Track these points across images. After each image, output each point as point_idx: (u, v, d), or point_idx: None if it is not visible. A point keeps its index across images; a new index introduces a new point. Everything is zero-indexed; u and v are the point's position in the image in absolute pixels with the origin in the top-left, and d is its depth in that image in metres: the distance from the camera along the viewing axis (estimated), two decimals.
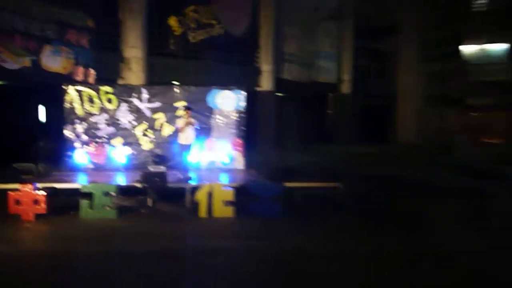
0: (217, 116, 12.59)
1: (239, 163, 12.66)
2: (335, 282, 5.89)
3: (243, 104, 12.72)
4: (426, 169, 12.54)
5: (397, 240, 7.84)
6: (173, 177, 10.14)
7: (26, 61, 11.49)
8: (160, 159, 11.56)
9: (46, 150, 11.44)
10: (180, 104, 12.21)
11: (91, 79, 12.53)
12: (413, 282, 5.92)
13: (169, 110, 12.30)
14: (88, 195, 8.95)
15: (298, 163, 15.61)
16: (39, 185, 9.12)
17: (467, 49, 19.68)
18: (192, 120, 10.53)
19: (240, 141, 12.71)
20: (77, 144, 11.99)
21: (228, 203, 9.11)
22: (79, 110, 11.96)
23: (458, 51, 13.99)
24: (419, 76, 17.08)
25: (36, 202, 8.77)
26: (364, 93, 21.89)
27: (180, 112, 11.49)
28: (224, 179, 10.91)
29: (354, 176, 12.32)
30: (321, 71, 20.19)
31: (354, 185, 10.73)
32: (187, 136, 10.49)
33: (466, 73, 18.56)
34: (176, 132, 10.71)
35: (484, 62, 21.75)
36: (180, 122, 10.57)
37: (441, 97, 15.46)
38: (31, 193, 8.78)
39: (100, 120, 12.08)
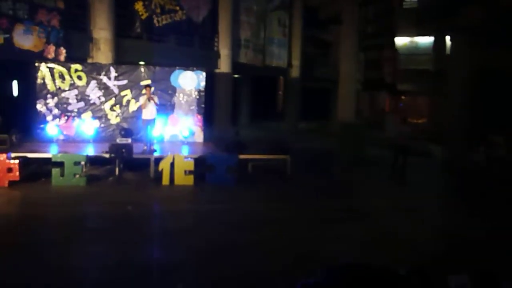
0: (179, 94, 12.39)
1: (199, 137, 12.58)
2: (283, 234, 6.03)
3: (203, 84, 12.57)
4: (359, 144, 12.90)
5: (330, 203, 8.18)
6: (138, 149, 9.96)
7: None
8: (126, 132, 11.27)
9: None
10: (145, 82, 11.92)
11: (62, 58, 12.00)
12: (339, 234, 6.16)
13: (135, 88, 11.97)
14: (59, 164, 8.73)
15: (251, 137, 15.71)
16: (12, 154, 8.80)
17: (399, 40, 20.14)
18: (153, 96, 10.32)
19: (199, 117, 12.60)
20: (48, 118, 11.52)
21: (188, 172, 9.10)
22: (50, 86, 11.48)
23: (391, 42, 14.32)
24: (357, 63, 17.32)
25: (9, 170, 8.49)
26: (310, 77, 22.10)
27: (143, 90, 11.23)
28: (185, 151, 10.83)
29: (299, 149, 12.51)
30: (273, 56, 20.16)
31: (299, 157, 10.91)
32: (150, 111, 10.28)
33: (397, 61, 18.99)
34: (140, 108, 10.49)
35: (413, 52, 22.39)
36: (142, 99, 10.32)
37: (375, 82, 15.83)
38: (5, 162, 8.48)
39: (71, 95, 11.64)
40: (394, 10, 14.18)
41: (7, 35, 11.04)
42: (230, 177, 9.29)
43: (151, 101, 10.16)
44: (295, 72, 21.40)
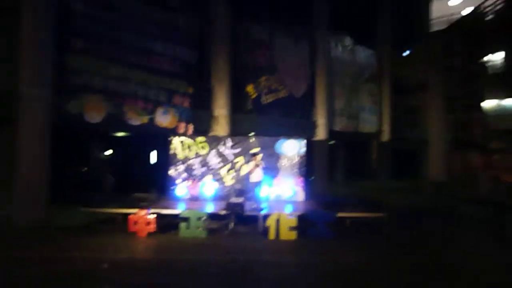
0: (283, 160, 12.65)
1: (300, 196, 12.56)
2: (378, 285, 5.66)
3: (303, 150, 12.73)
4: (451, 201, 11.84)
5: (424, 258, 7.55)
6: (249, 206, 10.25)
7: (145, 119, 12.15)
8: (239, 193, 11.73)
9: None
10: (255, 150, 12.41)
11: (190, 132, 13.04)
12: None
13: (247, 155, 12.51)
14: (186, 219, 9.24)
15: (347, 196, 15.24)
16: (151, 210, 9.52)
17: (486, 103, 18.71)
18: (260, 162, 10.66)
19: (301, 178, 12.66)
20: (178, 180, 12.44)
21: (291, 228, 9.04)
22: (180, 155, 12.47)
23: (478, 104, 13.41)
24: (445, 125, 16.36)
25: (148, 223, 9.15)
26: (400, 139, 21.20)
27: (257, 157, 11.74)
28: (288, 209, 10.84)
29: (393, 207, 11.82)
30: (365, 122, 19.86)
31: (393, 215, 10.30)
32: (257, 174, 10.62)
33: (486, 122, 17.58)
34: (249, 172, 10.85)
35: (500, 113, 20.51)
36: (250, 165, 10.73)
37: (464, 142, 14.72)
38: (145, 217, 9.18)
39: (196, 162, 12.52)
40: (480, 76, 13.34)
41: (151, 116, 12.30)
42: (330, 232, 9.06)
43: (259, 166, 10.56)
44: (385, 136, 20.75)
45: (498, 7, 13.52)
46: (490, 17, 13.74)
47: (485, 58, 18.50)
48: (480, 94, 13.31)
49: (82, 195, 11.00)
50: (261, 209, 10.21)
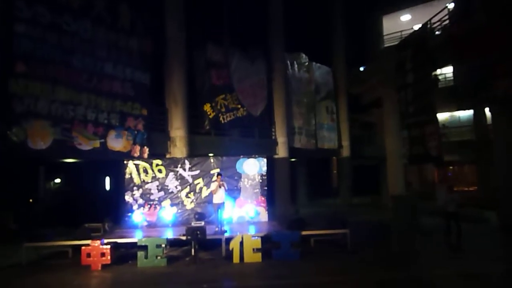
0: (244, 179, 12.55)
1: (263, 216, 12.45)
2: None
3: (264, 168, 12.69)
4: (411, 214, 12.19)
5: (390, 273, 7.64)
6: (211, 230, 9.99)
7: (96, 143, 11.73)
8: (200, 216, 11.46)
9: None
10: (215, 171, 12.27)
11: (145, 155, 12.71)
12: None
13: (206, 176, 12.33)
14: (144, 248, 8.87)
15: (310, 214, 15.34)
16: (105, 240, 9.08)
17: (440, 116, 19.61)
18: (223, 182, 10.53)
19: (263, 198, 12.58)
20: (134, 207, 12.00)
21: (256, 250, 8.90)
22: (136, 179, 12.08)
23: (432, 118, 14.04)
24: (401, 140, 16.97)
25: (102, 254, 8.71)
26: (359, 155, 21.78)
27: (214, 178, 11.57)
28: (252, 230, 10.70)
29: (355, 223, 11.96)
30: (324, 139, 20.23)
31: (356, 230, 10.41)
32: (220, 196, 10.45)
33: (440, 135, 18.43)
34: (212, 194, 10.67)
35: (455, 125, 21.65)
36: (213, 186, 10.55)
37: (421, 156, 15.29)
38: (99, 247, 8.74)
39: (153, 186, 12.15)
40: (432, 90, 13.99)
41: (102, 140, 11.89)
42: (295, 252, 8.98)
43: (222, 187, 10.40)
44: (345, 152, 21.23)
45: (444, 23, 14.36)
46: (438, 33, 14.55)
47: (437, 72, 19.54)
48: (433, 108, 13.89)
49: (28, 229, 10.34)
50: (224, 232, 9.99)
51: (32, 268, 8.88)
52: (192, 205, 12.25)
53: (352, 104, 21.81)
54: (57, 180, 16.74)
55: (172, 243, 9.74)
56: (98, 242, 8.82)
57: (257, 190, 12.59)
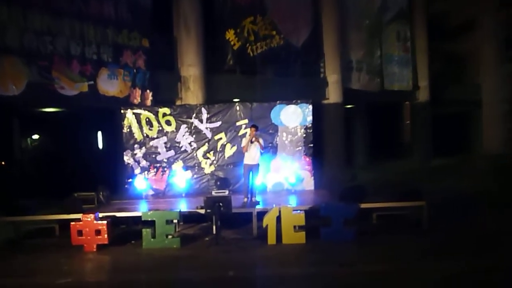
0: (282, 134, 12.60)
1: (308, 183, 12.56)
2: None
3: (309, 118, 12.65)
4: None
5: (479, 261, 7.54)
6: (238, 201, 10.18)
7: (83, 87, 11.93)
8: (223, 183, 11.66)
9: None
10: (242, 122, 12.35)
11: (148, 102, 12.89)
12: None
13: (230, 130, 12.48)
14: (150, 223, 9.14)
15: (372, 181, 15.28)
16: (100, 214, 9.40)
17: None
18: (258, 137, 10.56)
19: (308, 159, 12.63)
20: (136, 170, 12.35)
21: (298, 228, 9.00)
22: (137, 134, 12.34)
23: None
24: (504, 78, 16.33)
25: (98, 232, 9.04)
26: (443, 100, 21.22)
27: (244, 131, 11.66)
28: (293, 201, 10.84)
29: (435, 193, 11.83)
30: (393, 78, 19.77)
31: (436, 203, 10.31)
32: (252, 156, 10.53)
33: None
34: (239, 152, 10.77)
35: None
36: (244, 141, 10.69)
37: None
38: (93, 223, 9.07)
39: (159, 143, 12.41)
40: None
41: (91, 82, 12.08)
42: (350, 231, 9.04)
43: (255, 143, 10.43)
44: (423, 95, 20.74)
45: None
46: None
47: None
48: None
49: (1, 200, 10.83)
50: (255, 204, 10.17)
51: (8, 249, 9.32)
52: (212, 168, 12.50)
53: (434, 28, 21.00)
54: (36, 137, 17.29)
55: (187, 218, 9.99)
56: (92, 216, 9.13)
57: (300, 148, 12.62)
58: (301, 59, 16.51)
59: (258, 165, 10.66)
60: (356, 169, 18.81)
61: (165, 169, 12.42)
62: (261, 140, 10.57)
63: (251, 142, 10.45)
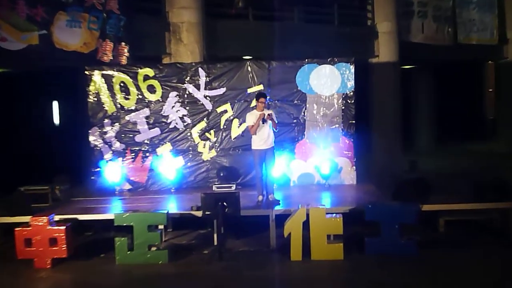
0: (312, 105, 12.57)
1: (348, 175, 12.55)
2: None
3: (351, 84, 12.58)
4: None
5: None
6: (248, 200, 10.21)
7: (33, 38, 11.93)
8: (228, 174, 11.63)
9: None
10: (256, 89, 12.31)
11: (124, 59, 12.86)
12: None
13: (240, 99, 12.48)
14: (126, 230, 9.15)
15: (440, 172, 15.18)
16: (56, 217, 9.42)
17: None
18: (270, 112, 10.46)
19: (349, 142, 12.61)
20: (107, 155, 12.37)
21: (334, 237, 9.00)
22: (108, 105, 12.35)
23: None
24: None
25: (53, 241, 9.05)
26: None
27: (253, 103, 11.60)
28: (326, 200, 10.85)
29: None
30: (471, 27, 19.61)
31: None
32: (264, 137, 10.42)
33: None
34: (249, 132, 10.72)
35: None
36: (250, 118, 10.49)
37: None
38: (46, 229, 9.08)
39: (139, 118, 12.42)
40: None
41: (43, 31, 12.07)
42: (407, 243, 9.01)
43: (267, 121, 10.32)
44: None
45: None
46: None
47: None
48: None
49: None
50: (274, 204, 10.15)
51: None
52: (213, 153, 12.53)
53: None
54: None
55: (178, 222, 10.08)
56: (45, 219, 9.15)
57: (337, 125, 12.59)
58: (339, 1, 16.41)
59: (273, 149, 10.60)
60: (417, 156, 18.70)
61: (147, 154, 12.44)
62: (273, 115, 10.48)
63: (263, 121, 10.31)
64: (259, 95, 10.66)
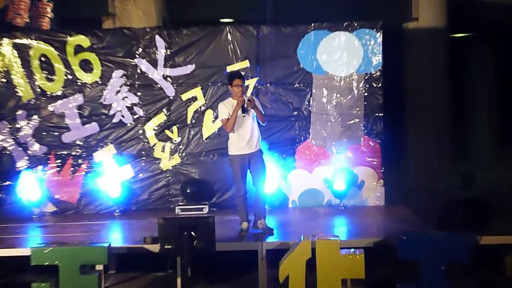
0: (322, 90, 12.62)
1: (374, 192, 12.61)
2: None
3: (377, 60, 12.65)
4: None
5: None
6: (228, 228, 10.26)
7: None
8: (198, 190, 11.65)
9: None
10: (239, 66, 12.36)
11: (45, 22, 12.85)
12: None
13: (215, 82, 12.50)
14: (49, 271, 9.14)
15: (505, 188, 15.26)
16: None
17: None
18: (252, 98, 10.39)
19: (373, 144, 12.66)
20: (21, 163, 12.37)
21: (353, 283, 9.00)
22: (23, 90, 12.36)
23: None
24: None
25: None
26: None
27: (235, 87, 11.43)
28: (341, 229, 10.84)
29: None
30: None
31: None
32: (247, 137, 10.40)
33: None
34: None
35: None
36: (224, 109, 10.40)
37: None
38: None
39: (69, 108, 12.42)
40: None
41: None
42: None
43: (249, 111, 10.26)
44: None
45: None
46: None
47: None
48: None
49: None
50: (266, 234, 10.11)
51: None
52: (176, 160, 12.59)
53: None
54: None
55: (125, 261, 10.06)
56: None
57: (356, 119, 12.64)
58: None
59: (261, 153, 10.51)
60: (472, 165, 18.78)
61: (80, 161, 12.44)
62: (258, 104, 10.40)
63: (243, 111, 10.22)
64: (232, 75, 10.58)
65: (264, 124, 10.40)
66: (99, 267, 9.22)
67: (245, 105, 9.89)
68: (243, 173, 10.36)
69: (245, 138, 10.25)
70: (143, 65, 12.42)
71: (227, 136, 10.47)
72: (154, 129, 12.49)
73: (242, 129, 10.21)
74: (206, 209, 10.66)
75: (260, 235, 10.10)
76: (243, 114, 10.02)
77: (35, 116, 12.32)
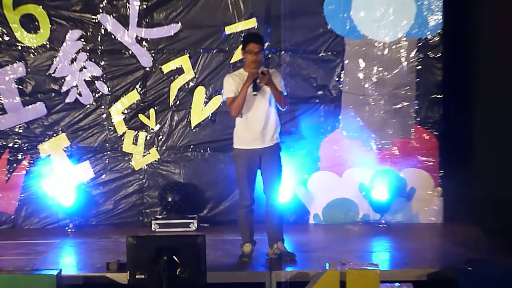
0: (357, 63, 12.77)
1: (428, 204, 12.71)
2: None
3: (435, 21, 12.80)
4: None
5: None
6: (224, 251, 10.41)
7: None
8: (181, 198, 11.81)
9: None
10: (243, 27, 12.51)
11: None
12: None
13: (209, 48, 12.66)
14: None
15: None
16: None
17: None
18: (272, 71, 10.43)
19: (429, 137, 12.77)
20: None
21: None
22: None
23: None
24: None
25: None
26: None
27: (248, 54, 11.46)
28: (381, 256, 10.99)
29: None
30: None
31: None
32: (257, 125, 10.45)
33: None
34: (227, 115, 10.79)
35: None
36: (230, 85, 10.40)
37: None
38: None
39: (6, 83, 12.55)
40: None
41: None
42: None
43: (264, 90, 10.32)
44: None
45: None
46: None
47: None
48: None
49: None
50: (288, 262, 10.18)
51: None
52: (153, 155, 12.77)
53: None
54: None
55: None
56: None
57: (407, 103, 12.80)
58: None
59: (277, 150, 10.67)
60: None
61: (21, 155, 12.58)
62: (278, 80, 10.39)
63: (255, 88, 10.23)
64: (247, 38, 10.54)
65: (284, 109, 10.29)
66: None
67: (258, 81, 9.75)
68: (251, 175, 10.30)
69: (256, 126, 10.19)
70: (109, 23, 12.52)
71: (226, 123, 10.57)
72: (123, 113, 12.59)
73: (253, 114, 10.15)
74: (194, 225, 10.73)
75: (272, 261, 10.19)
76: (254, 93, 9.85)
77: None
